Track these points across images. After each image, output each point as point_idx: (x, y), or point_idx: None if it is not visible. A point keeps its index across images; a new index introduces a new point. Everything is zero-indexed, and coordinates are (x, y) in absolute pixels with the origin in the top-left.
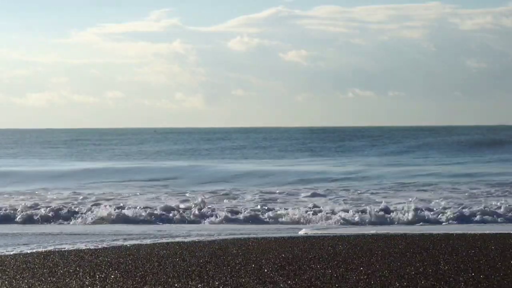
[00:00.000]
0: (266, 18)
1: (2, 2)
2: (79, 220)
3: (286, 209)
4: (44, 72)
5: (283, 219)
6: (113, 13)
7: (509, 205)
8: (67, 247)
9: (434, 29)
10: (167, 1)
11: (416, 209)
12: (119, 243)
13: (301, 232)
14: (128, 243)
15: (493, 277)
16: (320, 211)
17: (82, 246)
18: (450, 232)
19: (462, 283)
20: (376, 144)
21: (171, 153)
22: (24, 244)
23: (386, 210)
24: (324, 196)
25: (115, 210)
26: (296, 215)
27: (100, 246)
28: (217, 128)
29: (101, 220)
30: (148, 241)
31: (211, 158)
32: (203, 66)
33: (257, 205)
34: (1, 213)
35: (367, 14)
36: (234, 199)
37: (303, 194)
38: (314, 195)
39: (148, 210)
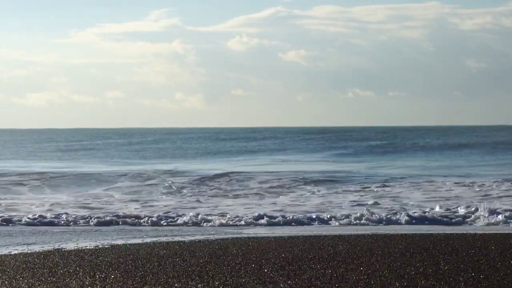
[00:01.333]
0: (266, 18)
1: (2, 2)
2: None
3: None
4: (44, 72)
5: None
6: (113, 13)
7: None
8: (67, 247)
9: (433, 29)
10: (167, 1)
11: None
12: (119, 242)
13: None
14: (128, 242)
15: (493, 277)
16: None
17: (83, 246)
18: (450, 232)
19: (462, 283)
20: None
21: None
22: (24, 244)
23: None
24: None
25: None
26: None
27: (100, 246)
28: (217, 128)
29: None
30: (149, 241)
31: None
32: (203, 66)
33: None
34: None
35: (366, 14)
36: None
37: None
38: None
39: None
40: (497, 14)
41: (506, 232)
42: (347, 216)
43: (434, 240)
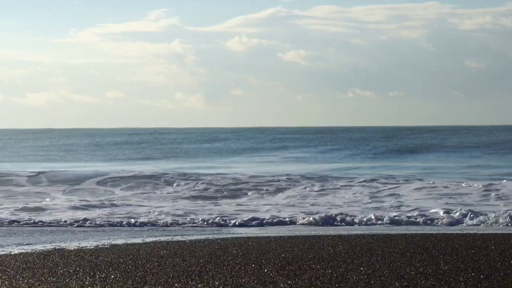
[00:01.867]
0: (265, 18)
1: (2, 2)
2: None
3: None
4: (44, 72)
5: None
6: (112, 13)
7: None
8: (67, 247)
9: (433, 29)
10: (166, 1)
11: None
12: (119, 242)
13: None
14: (128, 242)
15: (493, 277)
16: None
17: (83, 246)
18: (450, 232)
19: (462, 283)
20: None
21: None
22: (24, 244)
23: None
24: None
25: None
26: None
27: (100, 246)
28: (217, 128)
29: None
30: (148, 241)
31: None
32: (202, 66)
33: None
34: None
35: (365, 14)
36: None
37: None
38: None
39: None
40: (496, 14)
41: (506, 232)
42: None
43: (434, 240)
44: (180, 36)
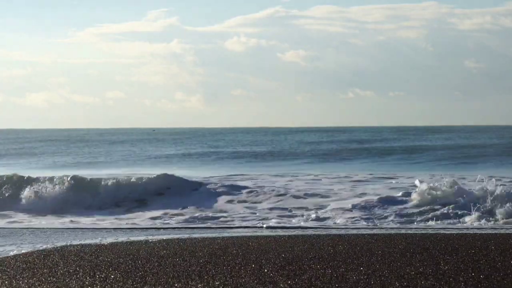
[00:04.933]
0: (264, 18)
1: (2, 2)
2: None
3: None
4: (43, 72)
5: None
6: (111, 13)
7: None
8: (67, 247)
9: (432, 29)
10: (165, 1)
11: None
12: (120, 242)
13: None
14: (129, 241)
15: (493, 277)
16: None
17: (83, 246)
18: (450, 232)
19: (462, 283)
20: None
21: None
22: (24, 244)
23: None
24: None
25: None
26: None
27: (100, 246)
28: (218, 128)
29: None
30: (149, 240)
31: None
32: (201, 66)
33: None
34: None
35: (363, 14)
36: None
37: None
38: None
39: None
40: (495, 14)
41: (506, 232)
42: None
43: (434, 240)
44: (179, 36)
